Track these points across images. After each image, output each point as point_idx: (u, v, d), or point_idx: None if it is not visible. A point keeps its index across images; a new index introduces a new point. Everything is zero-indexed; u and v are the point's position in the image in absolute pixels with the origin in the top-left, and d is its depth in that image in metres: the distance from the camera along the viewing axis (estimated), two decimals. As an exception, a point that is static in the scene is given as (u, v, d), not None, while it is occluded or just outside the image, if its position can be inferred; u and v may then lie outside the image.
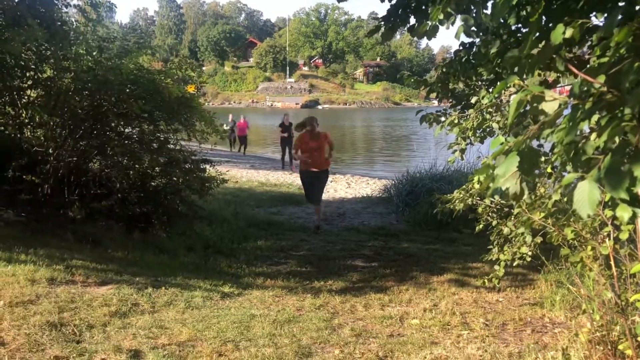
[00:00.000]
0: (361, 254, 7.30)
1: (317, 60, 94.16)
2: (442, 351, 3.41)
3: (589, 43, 2.54)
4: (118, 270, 4.90)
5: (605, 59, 1.45)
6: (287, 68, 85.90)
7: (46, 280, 4.10)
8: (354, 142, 32.79)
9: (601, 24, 2.16)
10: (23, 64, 6.35)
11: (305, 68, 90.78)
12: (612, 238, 2.92)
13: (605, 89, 1.39)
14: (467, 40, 4.40)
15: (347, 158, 23.61)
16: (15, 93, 6.40)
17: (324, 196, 12.79)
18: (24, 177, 6.30)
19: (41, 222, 6.17)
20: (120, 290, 4.19)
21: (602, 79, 1.41)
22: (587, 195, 1.32)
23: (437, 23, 3.28)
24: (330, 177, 16.00)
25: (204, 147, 7.94)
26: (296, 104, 73.38)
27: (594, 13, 2.40)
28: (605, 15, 2.24)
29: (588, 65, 1.58)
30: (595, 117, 1.54)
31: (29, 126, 6.65)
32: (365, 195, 12.93)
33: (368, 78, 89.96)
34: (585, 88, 1.50)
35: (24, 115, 6.48)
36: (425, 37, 3.76)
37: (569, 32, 1.65)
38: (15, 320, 3.29)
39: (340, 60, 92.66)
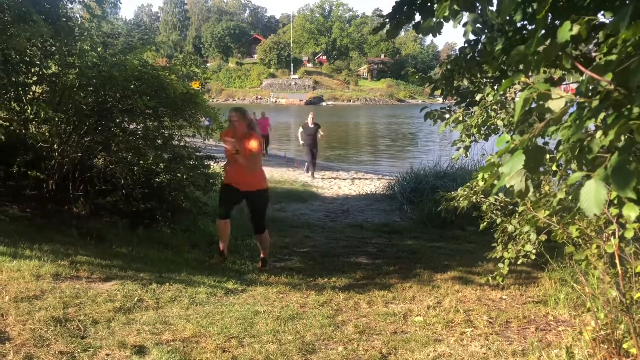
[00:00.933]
0: (365, 251, 7.30)
1: (321, 57, 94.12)
2: (446, 348, 3.41)
3: (596, 40, 2.53)
4: (122, 266, 4.91)
5: (612, 57, 1.45)
6: (291, 64, 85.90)
7: (51, 276, 4.11)
8: (358, 139, 32.79)
9: (608, 22, 2.15)
10: (28, 59, 6.36)
11: (310, 64, 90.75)
12: (617, 236, 2.92)
13: (612, 86, 1.39)
14: (472, 36, 4.40)
15: (351, 155, 23.61)
16: (20, 89, 6.41)
17: (329, 192, 12.76)
18: (29, 172, 6.32)
19: (46, 218, 6.19)
20: (124, 286, 4.20)
21: (609, 76, 1.40)
22: (593, 195, 1.32)
23: (442, 20, 3.27)
24: (334, 174, 15.97)
25: (208, 144, 7.95)
26: (300, 100, 73.45)
27: (601, 11, 2.39)
28: (613, 12, 2.23)
29: (594, 63, 1.57)
30: (601, 115, 1.53)
31: (34, 122, 6.66)
32: (369, 192, 12.93)
33: (372, 75, 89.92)
34: (592, 86, 1.49)
35: (29, 111, 6.49)
36: (430, 34, 3.76)
37: (575, 29, 1.64)
38: (20, 316, 3.31)
39: (344, 56, 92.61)
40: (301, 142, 15.69)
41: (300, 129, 15.64)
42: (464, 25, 3.84)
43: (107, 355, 2.98)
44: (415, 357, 3.28)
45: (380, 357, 3.27)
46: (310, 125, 15.23)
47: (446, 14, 3.02)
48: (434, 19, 3.29)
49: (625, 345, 2.80)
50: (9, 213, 5.98)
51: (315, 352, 3.30)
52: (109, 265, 4.86)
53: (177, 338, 3.31)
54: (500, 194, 4.73)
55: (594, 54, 3.30)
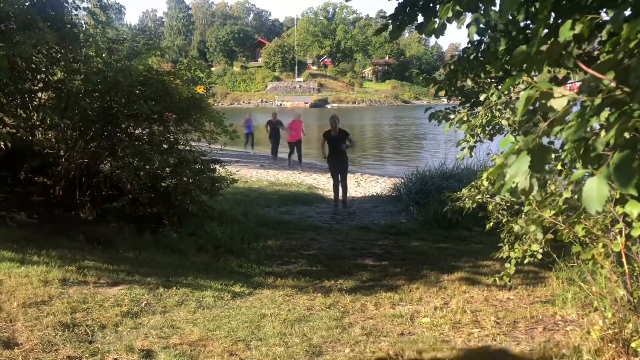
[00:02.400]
0: (371, 253, 7.29)
1: (325, 60, 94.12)
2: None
3: (599, 38, 2.52)
4: (129, 270, 4.93)
5: (614, 55, 1.44)
6: (296, 67, 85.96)
7: (59, 281, 4.13)
8: (364, 141, 32.73)
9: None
10: (34, 66, 6.41)
11: (314, 67, 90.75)
12: (623, 235, 2.90)
13: (614, 85, 1.38)
14: (476, 37, 4.39)
15: (356, 157, 23.57)
16: (26, 96, 6.45)
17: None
18: (36, 178, 6.36)
19: (53, 224, 6.22)
20: (131, 291, 4.22)
21: (611, 75, 1.40)
22: (595, 192, 1.31)
23: (446, 21, 3.27)
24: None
25: (213, 147, 7.96)
26: (305, 103, 73.43)
27: (604, 8, 2.38)
28: (615, 10, 2.23)
29: (597, 62, 1.57)
30: (605, 114, 1.53)
31: (41, 128, 6.70)
32: (375, 193, 12.91)
33: (377, 76, 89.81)
34: (595, 84, 1.49)
35: (35, 117, 6.54)
36: (433, 35, 3.75)
37: (578, 28, 1.64)
38: (29, 321, 3.33)
39: (348, 59, 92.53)
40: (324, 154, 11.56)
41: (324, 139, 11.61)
42: (468, 26, 3.84)
43: (115, 359, 3.00)
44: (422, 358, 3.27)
45: (387, 359, 3.27)
46: (332, 134, 11.11)
47: (449, 15, 3.02)
48: (437, 21, 3.29)
49: (633, 344, 2.79)
50: (16, 219, 6.01)
51: (322, 355, 3.30)
52: (116, 270, 4.88)
53: (184, 342, 3.32)
54: (506, 194, 4.72)
55: (597, 53, 3.30)
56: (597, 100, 1.41)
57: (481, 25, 3.79)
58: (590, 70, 1.45)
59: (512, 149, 1.61)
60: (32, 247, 4.97)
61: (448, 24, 3.55)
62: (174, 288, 4.48)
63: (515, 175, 1.56)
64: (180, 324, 3.65)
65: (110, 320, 3.55)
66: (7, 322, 3.30)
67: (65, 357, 2.93)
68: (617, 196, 2.60)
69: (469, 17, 3.57)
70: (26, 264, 4.40)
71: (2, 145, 5.76)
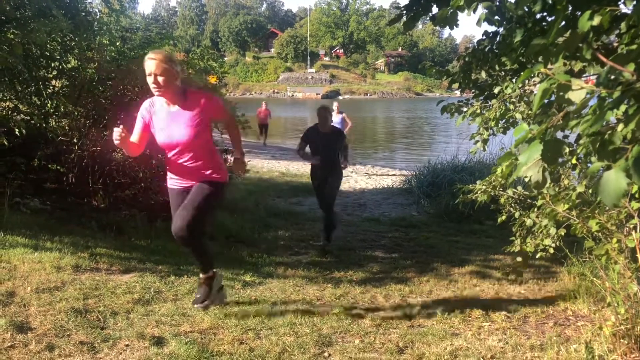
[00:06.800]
0: (381, 245, 7.29)
1: (338, 51, 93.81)
2: (463, 342, 3.40)
3: (618, 31, 2.48)
4: (141, 258, 4.97)
5: (634, 47, 1.42)
6: (308, 58, 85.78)
7: (71, 268, 4.17)
8: (375, 133, 32.65)
9: (630, 11, 2.11)
10: (48, 54, 6.44)
11: (326, 58, 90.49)
12: (638, 230, 2.87)
13: (634, 77, 1.36)
14: (491, 29, 4.35)
15: (367, 149, 23.51)
16: (40, 83, 6.49)
17: (345, 186, 12.68)
18: (49, 166, 6.40)
19: (66, 211, 6.27)
20: (143, 278, 4.25)
21: (631, 67, 1.37)
22: (612, 185, 1.30)
23: (457, 9, 3.24)
24: (350, 168, 15.56)
25: (225, 137, 7.97)
26: (317, 94, 73.34)
27: (623, 1, 2.35)
28: (635, 2, 2.19)
29: (616, 54, 1.54)
30: (622, 107, 1.50)
31: (54, 116, 6.74)
32: (386, 186, 12.89)
33: (389, 68, 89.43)
34: (613, 77, 1.46)
35: (49, 105, 6.58)
36: (446, 26, 3.72)
37: (596, 20, 1.61)
38: (42, 306, 3.36)
39: (361, 50, 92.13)
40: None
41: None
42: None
43: (127, 345, 3.02)
44: (432, 350, 3.27)
45: (396, 351, 3.27)
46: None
47: (461, 3, 2.99)
48: (449, 9, 3.26)
49: (645, 341, 2.77)
50: (30, 206, 6.07)
51: (331, 345, 3.31)
52: (128, 257, 4.92)
53: (195, 329, 3.34)
54: (519, 187, 4.69)
55: (615, 45, 3.25)
56: (616, 93, 1.39)
57: (497, 17, 3.76)
58: (610, 62, 1.43)
59: (525, 137, 1.60)
60: (46, 233, 5.01)
61: (460, 13, 3.52)
62: (185, 276, 4.51)
63: (526, 163, 1.55)
64: (191, 312, 3.67)
65: (122, 307, 3.58)
66: (21, 306, 3.34)
67: (77, 342, 2.96)
68: (633, 191, 2.57)
69: (482, 6, 3.54)
70: (39, 250, 4.44)
71: (17, 133, 5.80)
